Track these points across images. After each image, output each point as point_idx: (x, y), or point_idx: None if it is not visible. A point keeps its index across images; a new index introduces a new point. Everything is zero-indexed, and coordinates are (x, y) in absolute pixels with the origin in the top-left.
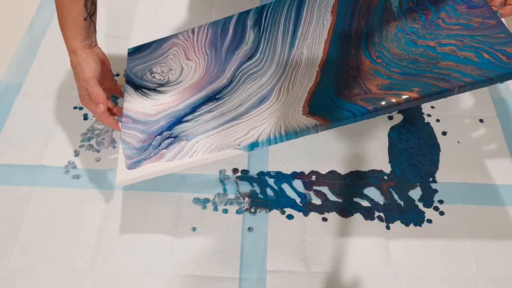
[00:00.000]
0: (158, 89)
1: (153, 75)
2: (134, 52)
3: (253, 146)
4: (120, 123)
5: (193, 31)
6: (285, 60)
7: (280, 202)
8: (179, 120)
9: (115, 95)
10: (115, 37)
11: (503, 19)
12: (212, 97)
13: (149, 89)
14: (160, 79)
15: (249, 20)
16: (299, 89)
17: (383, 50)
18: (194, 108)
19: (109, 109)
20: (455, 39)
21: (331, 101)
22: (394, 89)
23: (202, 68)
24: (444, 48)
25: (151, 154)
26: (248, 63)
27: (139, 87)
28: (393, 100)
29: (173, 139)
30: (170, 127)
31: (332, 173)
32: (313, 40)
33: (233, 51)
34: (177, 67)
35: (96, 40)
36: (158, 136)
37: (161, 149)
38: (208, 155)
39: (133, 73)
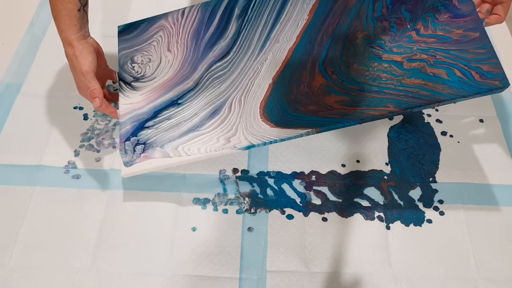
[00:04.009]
0: (132, 83)
1: (132, 65)
2: (124, 30)
3: (249, 146)
4: (118, 112)
5: (183, 12)
6: (250, 65)
7: (280, 202)
8: (141, 126)
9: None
10: (112, 37)
11: (490, 28)
12: (175, 102)
13: (125, 82)
14: (138, 71)
15: (237, 8)
16: (252, 101)
17: (341, 65)
18: (156, 113)
19: (105, 96)
20: (427, 54)
21: (293, 116)
22: (363, 105)
23: (177, 64)
24: (412, 63)
25: (134, 157)
26: (218, 64)
27: (120, 79)
28: (375, 113)
29: (143, 145)
30: (135, 132)
31: (332, 173)
32: (281, 44)
33: (211, 46)
34: (156, 59)
35: (89, 30)
36: (128, 142)
37: (140, 154)
38: (208, 153)
39: (119, 58)
